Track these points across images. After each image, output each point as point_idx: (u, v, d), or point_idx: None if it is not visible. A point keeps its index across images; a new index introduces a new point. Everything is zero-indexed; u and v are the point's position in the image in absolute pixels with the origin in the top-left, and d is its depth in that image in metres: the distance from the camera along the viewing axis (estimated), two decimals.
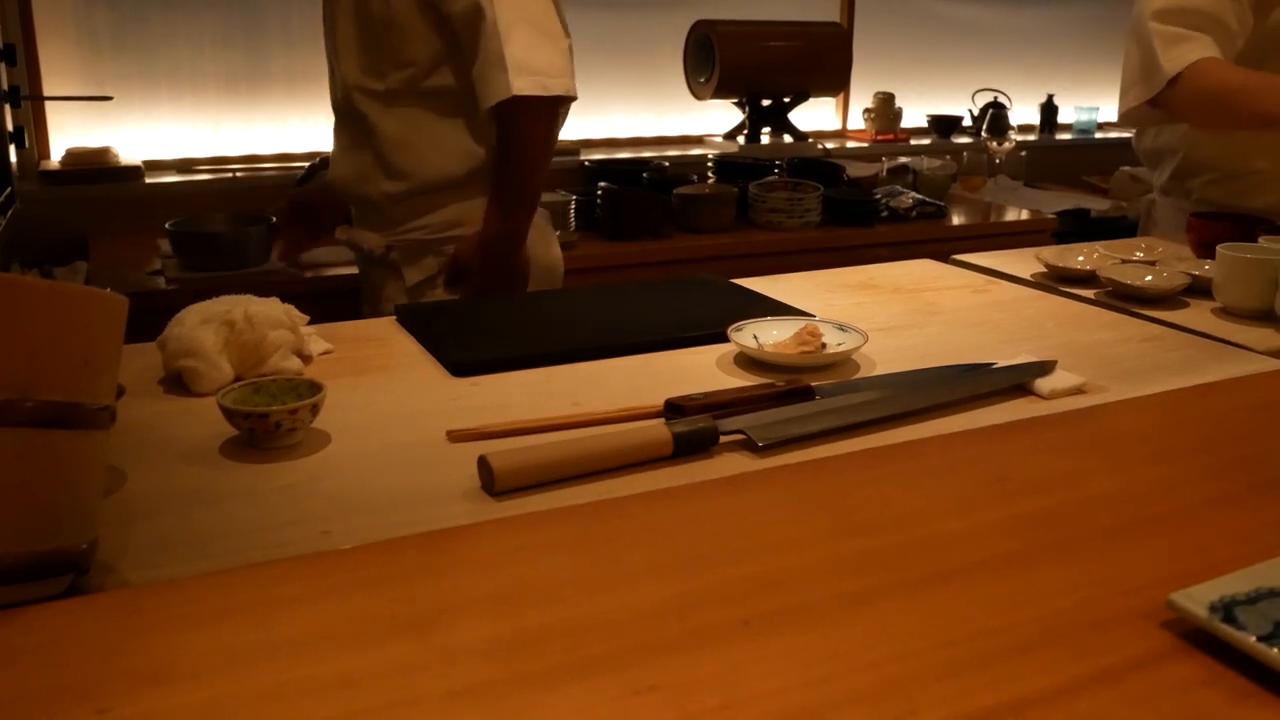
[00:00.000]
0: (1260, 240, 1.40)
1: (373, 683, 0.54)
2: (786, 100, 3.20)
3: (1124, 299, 1.37)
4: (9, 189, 2.02)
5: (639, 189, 2.59)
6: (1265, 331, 1.24)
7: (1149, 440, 0.90)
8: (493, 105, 1.47)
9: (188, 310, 1.02)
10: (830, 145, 3.34)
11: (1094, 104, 3.99)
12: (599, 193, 2.43)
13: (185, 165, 2.73)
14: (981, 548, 0.69)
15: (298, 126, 2.80)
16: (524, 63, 1.45)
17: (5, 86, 2.12)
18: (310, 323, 1.10)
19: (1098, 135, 3.96)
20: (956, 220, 2.92)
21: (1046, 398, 1.00)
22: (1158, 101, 1.77)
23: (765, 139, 3.21)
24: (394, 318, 1.24)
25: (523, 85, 1.44)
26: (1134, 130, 2.02)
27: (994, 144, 3.44)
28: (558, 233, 1.86)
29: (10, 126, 2.12)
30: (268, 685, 0.54)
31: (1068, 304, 1.37)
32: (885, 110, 3.53)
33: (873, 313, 1.29)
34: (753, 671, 0.55)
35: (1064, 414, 0.96)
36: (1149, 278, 1.39)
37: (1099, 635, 0.59)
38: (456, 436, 0.88)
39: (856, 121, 3.64)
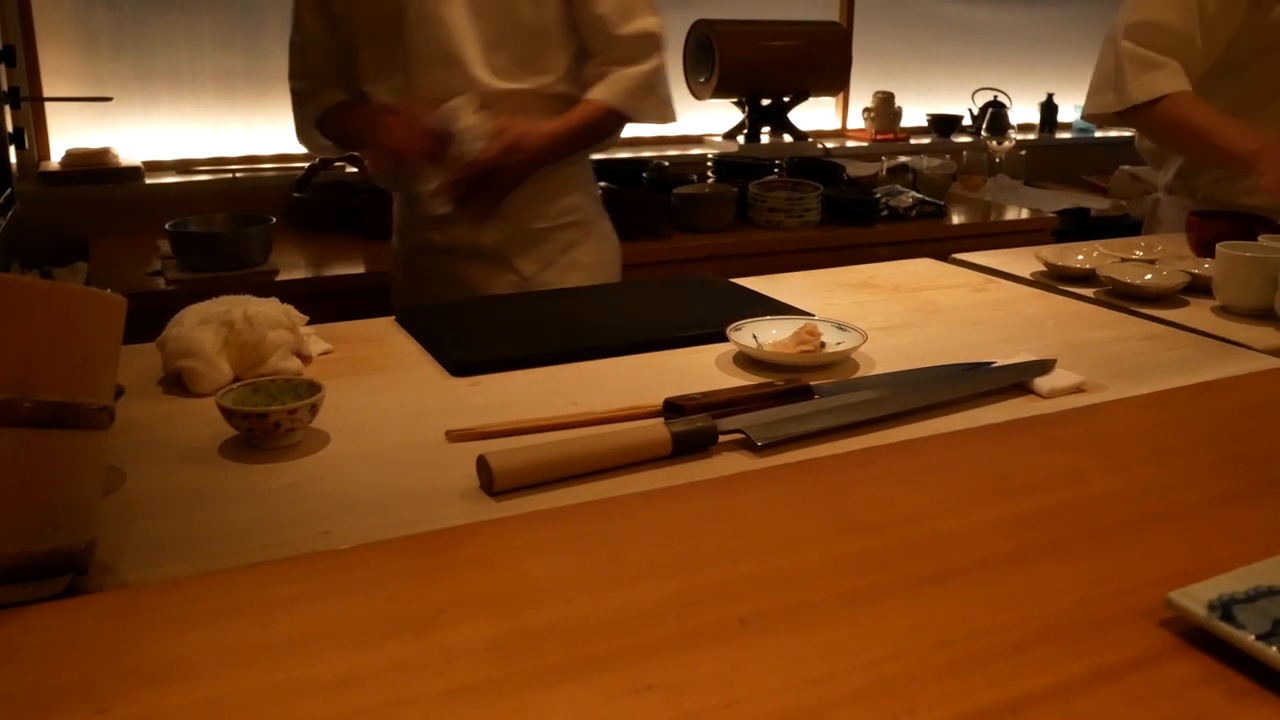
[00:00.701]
0: (1260, 239, 1.40)
1: (371, 682, 0.54)
2: (786, 100, 3.20)
3: (1123, 298, 1.37)
4: (9, 190, 2.03)
5: (639, 189, 2.59)
6: (1264, 330, 1.24)
7: (1148, 439, 0.90)
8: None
9: (187, 311, 1.02)
10: (830, 145, 3.34)
11: None
12: (599, 192, 2.43)
13: (185, 166, 2.73)
14: (980, 547, 0.69)
15: None
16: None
17: (5, 87, 2.12)
18: (309, 323, 1.10)
19: (1097, 134, 3.96)
20: (956, 219, 2.92)
21: (1046, 396, 1.00)
22: (1122, 115, 1.86)
23: (765, 138, 3.21)
24: (393, 318, 1.24)
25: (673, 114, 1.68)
26: (1135, 131, 2.04)
27: (994, 143, 3.44)
28: None
29: (10, 127, 2.12)
30: (266, 685, 0.54)
31: (1067, 303, 1.37)
32: (885, 110, 3.53)
33: (872, 312, 1.29)
34: (751, 670, 0.55)
35: (1063, 413, 0.96)
36: (1148, 276, 1.39)
37: (1098, 634, 0.59)
38: (455, 436, 0.88)
39: (856, 121, 3.64)
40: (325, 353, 1.10)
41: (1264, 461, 0.85)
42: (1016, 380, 1.02)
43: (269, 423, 0.84)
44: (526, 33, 1.56)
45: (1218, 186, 1.95)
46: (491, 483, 0.77)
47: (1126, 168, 3.30)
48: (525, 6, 1.55)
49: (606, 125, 1.63)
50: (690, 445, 0.85)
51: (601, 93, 1.58)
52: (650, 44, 1.63)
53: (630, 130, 1.74)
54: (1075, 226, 3.01)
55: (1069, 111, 3.92)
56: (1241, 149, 1.70)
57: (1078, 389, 1.02)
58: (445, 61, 1.57)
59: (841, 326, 1.12)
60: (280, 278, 2.22)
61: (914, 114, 3.67)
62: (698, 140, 3.26)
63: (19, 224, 2.13)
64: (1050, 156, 3.77)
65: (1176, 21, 1.79)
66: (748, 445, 0.87)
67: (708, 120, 3.30)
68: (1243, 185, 1.88)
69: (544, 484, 0.79)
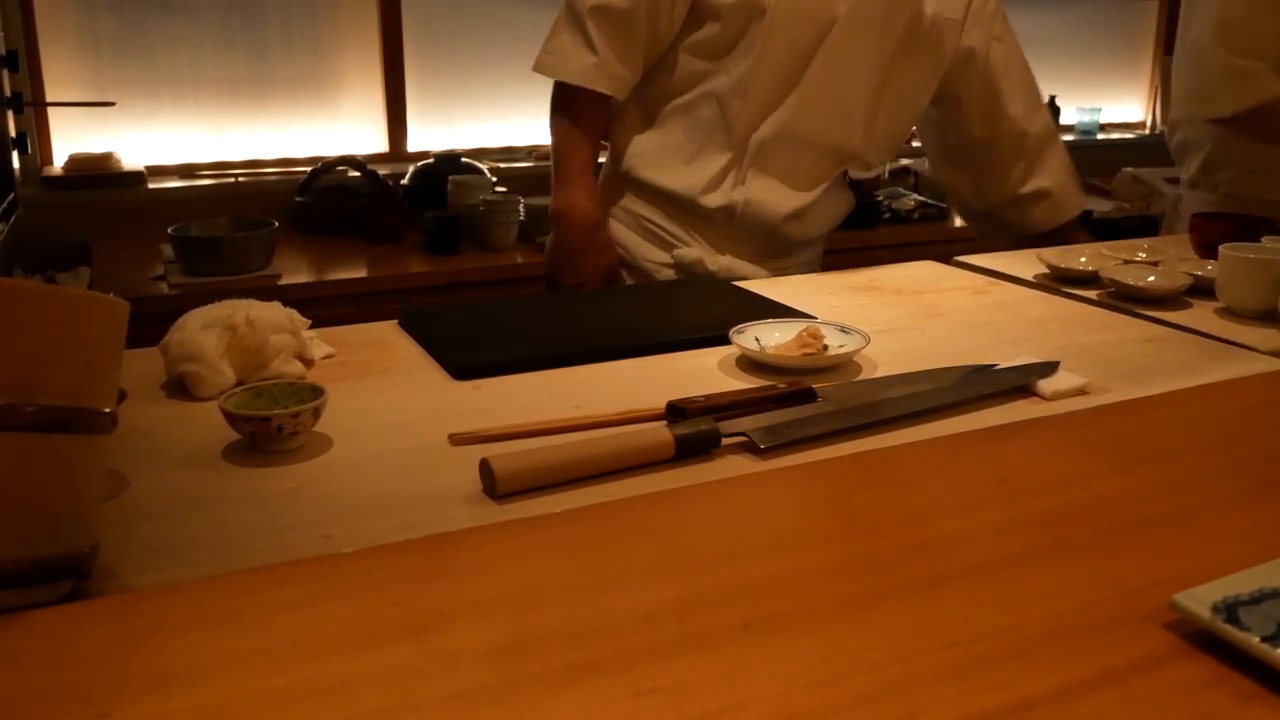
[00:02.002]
0: (1263, 240, 1.40)
1: (373, 686, 0.54)
2: None
3: (1126, 300, 1.37)
4: (12, 195, 2.03)
5: None
6: (1268, 332, 1.24)
7: (1151, 441, 0.90)
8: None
9: (189, 315, 1.02)
10: None
11: (1096, 105, 3.98)
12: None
13: (187, 170, 2.74)
14: (984, 549, 0.69)
15: (299, 131, 2.81)
16: None
17: (8, 93, 2.12)
18: (312, 326, 1.10)
19: (1100, 137, 3.96)
20: (958, 222, 2.92)
21: (1049, 399, 1.00)
22: (1217, 122, 1.87)
23: None
24: (395, 321, 1.24)
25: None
26: (1166, 126, 2.06)
27: None
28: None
29: (13, 132, 2.12)
30: (268, 689, 0.54)
31: (1070, 305, 1.36)
32: None
33: (874, 314, 1.29)
34: (754, 673, 0.55)
35: (1066, 415, 0.96)
36: (1151, 278, 1.38)
37: (1101, 636, 0.59)
38: (458, 440, 0.88)
39: None
40: (328, 356, 1.10)
41: (1268, 463, 0.85)
42: (1019, 383, 1.02)
43: (271, 427, 0.84)
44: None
45: (1240, 181, 1.94)
46: (494, 486, 0.77)
47: (1129, 170, 3.30)
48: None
49: None
50: (693, 448, 0.85)
51: None
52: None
53: None
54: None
55: (1071, 114, 3.92)
56: None
57: (1081, 391, 1.02)
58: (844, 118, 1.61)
59: (844, 329, 1.12)
60: (283, 282, 2.23)
61: None
62: None
63: (22, 229, 2.13)
64: None
65: (1255, 21, 1.78)
66: (750, 448, 0.87)
67: None
68: (1268, 179, 1.87)
69: (547, 487, 0.79)
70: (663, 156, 1.61)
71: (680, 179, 1.60)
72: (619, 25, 1.51)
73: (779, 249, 1.67)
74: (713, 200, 1.59)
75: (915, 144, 3.53)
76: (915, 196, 2.87)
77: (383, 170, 2.73)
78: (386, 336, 1.19)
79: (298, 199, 2.64)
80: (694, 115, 1.59)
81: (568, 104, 1.59)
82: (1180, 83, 1.93)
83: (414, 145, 2.97)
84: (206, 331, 0.99)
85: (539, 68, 1.58)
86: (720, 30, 1.53)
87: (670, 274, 1.63)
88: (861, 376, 1.06)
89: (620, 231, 1.67)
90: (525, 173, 2.90)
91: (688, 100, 1.59)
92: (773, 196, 1.60)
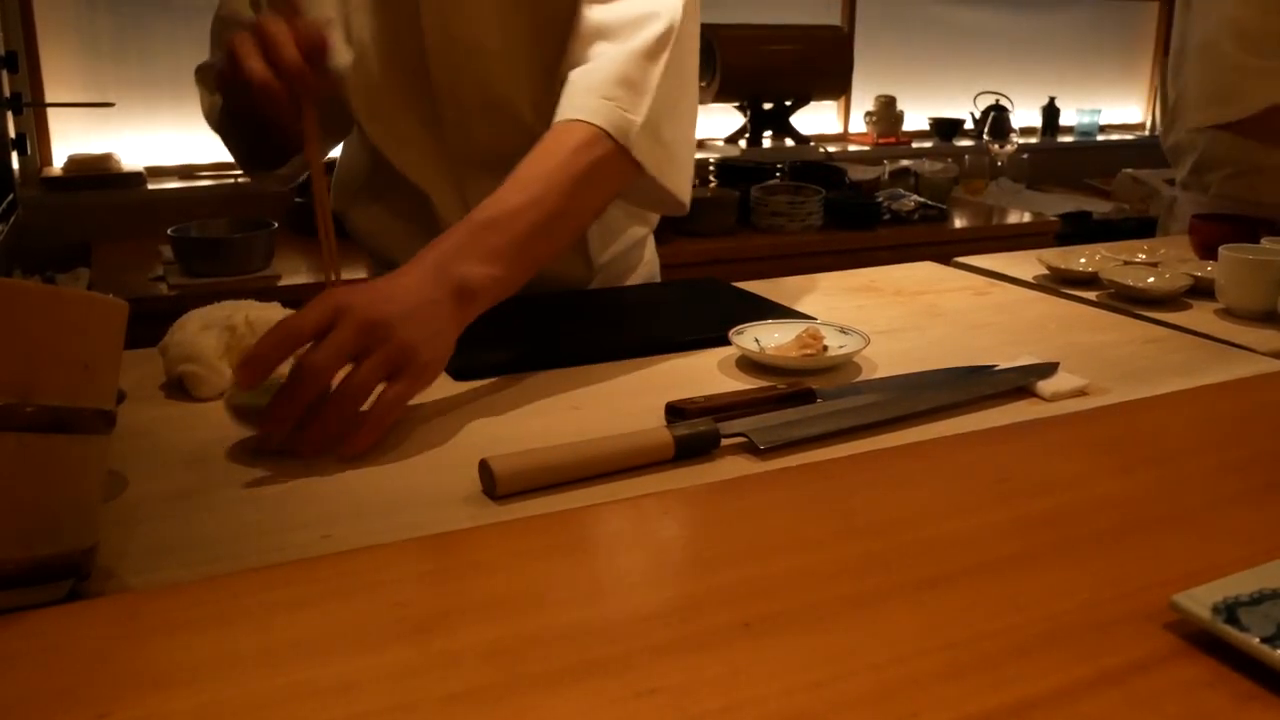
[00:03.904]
0: (1263, 241, 1.40)
1: (373, 687, 0.54)
2: (788, 104, 3.20)
3: (1126, 301, 1.37)
4: (11, 195, 2.03)
5: None
6: (1268, 333, 1.24)
7: (1151, 442, 0.90)
8: None
9: (189, 315, 1.02)
10: (832, 148, 3.34)
11: (1096, 106, 3.99)
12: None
13: (187, 171, 2.74)
14: (983, 549, 0.69)
15: None
16: None
17: (7, 93, 2.12)
18: None
19: (1099, 138, 3.96)
20: (958, 223, 2.92)
21: (1049, 399, 1.00)
22: (1231, 126, 1.84)
23: (767, 142, 3.21)
24: None
25: None
26: (1161, 128, 2.07)
27: (996, 147, 3.44)
28: None
29: (12, 133, 2.12)
30: (268, 689, 0.54)
31: (1070, 306, 1.36)
32: (887, 113, 3.53)
33: (874, 315, 1.29)
34: (754, 674, 0.55)
35: (1066, 416, 0.96)
36: (1151, 279, 1.38)
37: (1102, 637, 0.59)
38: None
39: (858, 125, 3.64)
40: None
41: (1268, 464, 0.85)
42: (1019, 383, 1.02)
43: None
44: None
45: (1228, 183, 1.96)
46: (494, 487, 0.77)
47: (1129, 171, 3.30)
48: None
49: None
50: (692, 449, 0.85)
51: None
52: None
53: None
54: (1077, 230, 3.01)
55: (1071, 115, 3.92)
56: None
57: (1080, 392, 1.02)
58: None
59: (844, 330, 1.12)
60: (282, 282, 2.23)
61: (916, 118, 3.68)
62: (699, 144, 3.27)
63: (21, 230, 2.13)
64: (1052, 160, 3.77)
65: (1270, 23, 1.78)
66: (750, 449, 0.87)
67: (709, 124, 3.30)
68: (1254, 181, 1.89)
69: (546, 488, 0.79)
70: None
71: None
72: None
73: None
74: None
75: (916, 145, 3.54)
76: (915, 198, 2.88)
77: None
78: None
79: (297, 200, 2.64)
80: None
81: None
82: (1191, 85, 1.91)
83: None
84: (206, 332, 0.99)
85: None
86: None
87: None
88: (861, 377, 1.06)
89: None
90: None
91: None
92: None
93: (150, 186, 2.62)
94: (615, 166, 1.05)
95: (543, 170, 1.01)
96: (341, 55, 1.00)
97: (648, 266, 1.52)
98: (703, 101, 3.05)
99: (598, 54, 1.09)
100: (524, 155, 1.03)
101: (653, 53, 1.08)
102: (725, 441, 0.87)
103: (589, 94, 1.06)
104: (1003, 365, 1.05)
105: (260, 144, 1.20)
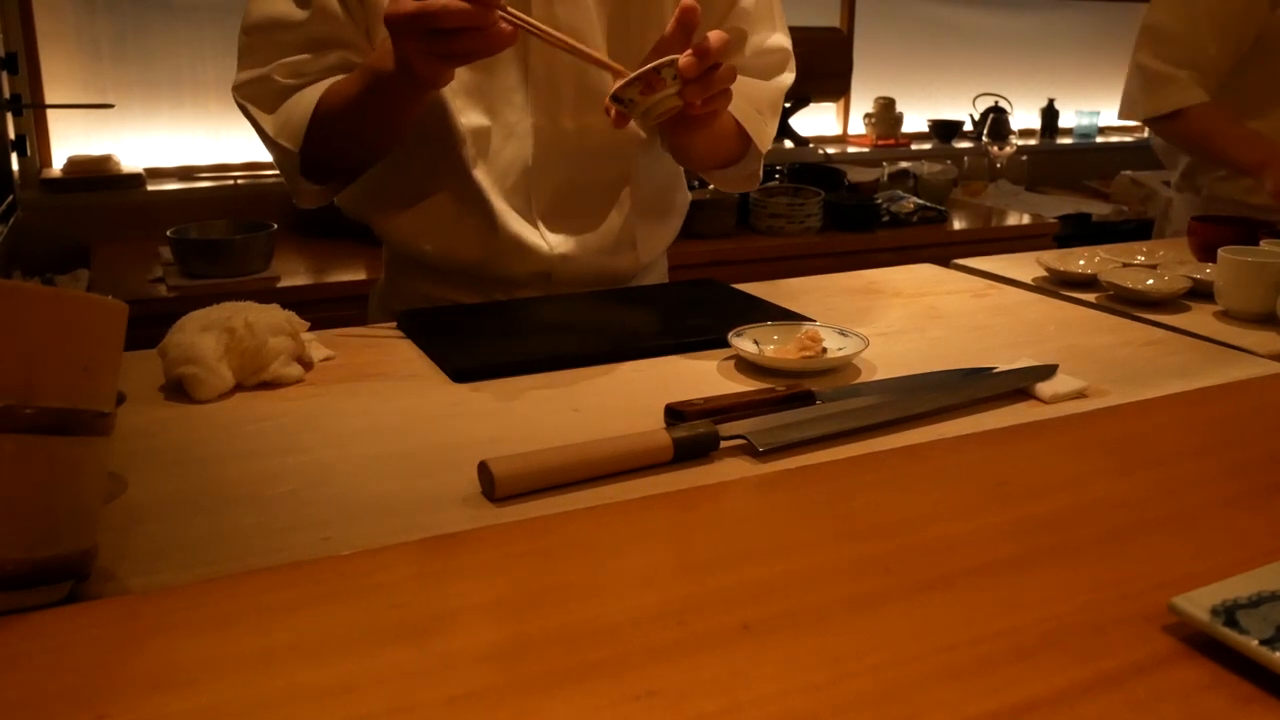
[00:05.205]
0: (1262, 243, 1.40)
1: (372, 688, 0.54)
2: (787, 105, 3.20)
3: (1125, 303, 1.37)
4: (11, 197, 2.03)
5: None
6: (1266, 335, 1.24)
7: (1150, 444, 0.90)
8: None
9: (188, 317, 1.02)
10: (831, 150, 3.34)
11: (1095, 108, 3.99)
12: None
13: (186, 173, 2.74)
14: (982, 552, 0.69)
15: None
16: None
17: (7, 95, 2.12)
18: (311, 329, 1.10)
19: (1099, 140, 3.96)
20: (958, 225, 2.92)
21: (1048, 402, 1.00)
22: (1146, 123, 2.05)
23: None
24: (394, 324, 1.24)
25: None
26: (1149, 131, 2.17)
27: (995, 148, 3.44)
28: None
29: (12, 135, 2.12)
30: (267, 691, 0.54)
31: (1069, 308, 1.37)
32: (886, 115, 3.53)
33: (874, 317, 1.29)
34: (753, 676, 0.55)
35: (1065, 418, 0.96)
36: (1150, 281, 1.39)
37: (1101, 639, 0.59)
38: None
39: (857, 126, 3.64)
40: (327, 359, 1.10)
41: (1267, 466, 0.85)
42: (1018, 385, 1.02)
43: None
44: None
45: (1219, 185, 2.00)
46: (493, 488, 0.77)
47: (1128, 173, 3.31)
48: None
49: None
50: (691, 451, 0.85)
51: None
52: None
53: None
54: (1077, 231, 3.01)
55: (1070, 117, 3.92)
56: (1249, 160, 1.87)
57: (1080, 394, 1.02)
58: None
59: (843, 332, 1.12)
60: (282, 284, 2.23)
61: (915, 119, 3.68)
62: None
63: (21, 231, 2.13)
64: (1051, 162, 3.77)
65: (1184, 30, 1.88)
66: (749, 451, 0.87)
67: None
68: (1245, 183, 1.92)
69: (545, 489, 0.79)
70: None
71: None
72: None
73: None
74: None
75: (915, 147, 3.54)
76: (914, 199, 2.88)
77: None
78: (385, 339, 1.19)
79: None
80: None
81: None
82: (1129, 82, 2.07)
83: None
84: (205, 334, 0.99)
85: None
86: None
87: None
88: (860, 379, 1.06)
89: None
90: None
91: None
92: None
93: (150, 188, 2.62)
94: None
95: None
96: None
97: (660, 266, 1.60)
98: None
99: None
100: (607, 149, 1.29)
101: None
102: (724, 443, 0.87)
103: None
104: (1002, 367, 1.05)
105: (380, 133, 1.20)
